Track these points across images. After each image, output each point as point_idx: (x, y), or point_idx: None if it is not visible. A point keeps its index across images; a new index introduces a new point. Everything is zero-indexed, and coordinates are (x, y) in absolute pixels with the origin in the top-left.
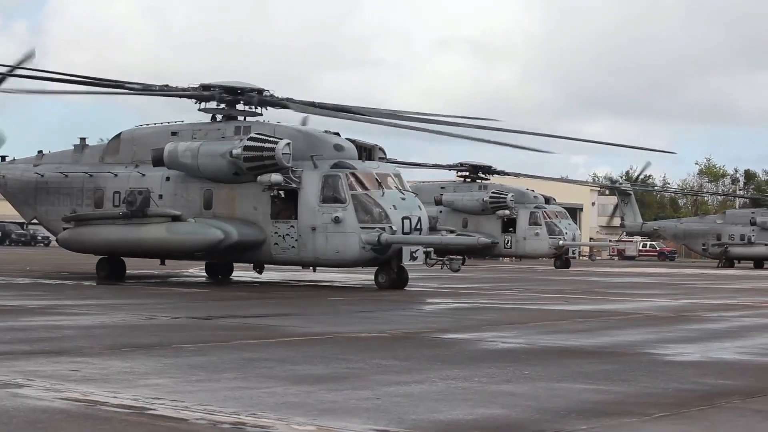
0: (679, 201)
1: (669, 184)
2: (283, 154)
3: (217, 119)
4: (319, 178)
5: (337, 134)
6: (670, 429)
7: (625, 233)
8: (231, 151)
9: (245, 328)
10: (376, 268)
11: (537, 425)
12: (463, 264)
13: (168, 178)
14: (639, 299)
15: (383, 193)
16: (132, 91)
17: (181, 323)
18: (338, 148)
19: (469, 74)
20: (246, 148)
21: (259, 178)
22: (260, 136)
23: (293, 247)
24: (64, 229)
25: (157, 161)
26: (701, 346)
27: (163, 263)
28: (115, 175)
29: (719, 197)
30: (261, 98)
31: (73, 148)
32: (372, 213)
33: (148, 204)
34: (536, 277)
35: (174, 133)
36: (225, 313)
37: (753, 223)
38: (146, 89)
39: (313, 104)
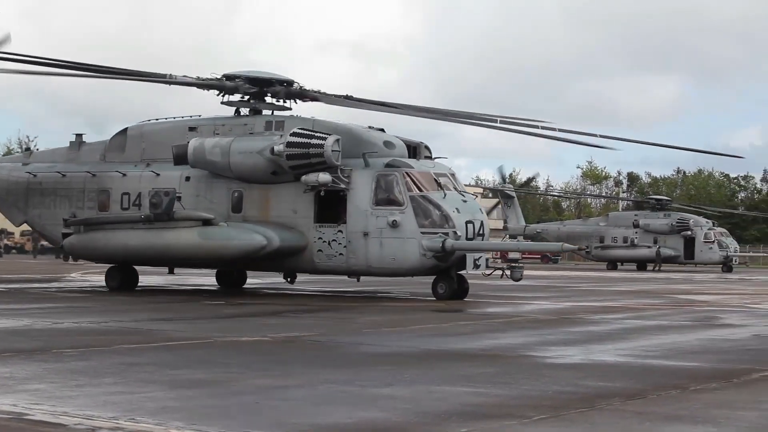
0: (563, 204)
1: (552, 186)
2: (332, 151)
3: (241, 113)
4: (372, 178)
5: (382, 130)
6: (550, 431)
7: (507, 236)
8: (272, 148)
9: (127, 333)
10: (434, 277)
11: (416, 428)
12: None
13: (188, 178)
14: (522, 302)
15: (444, 195)
16: (142, 79)
17: (68, 328)
18: (389, 145)
19: (350, 77)
20: (290, 144)
21: (303, 177)
22: (305, 132)
23: (341, 254)
24: (64, 234)
25: (180, 159)
26: (582, 348)
27: (171, 272)
28: (124, 174)
29: (602, 200)
30: (290, 90)
31: (68, 145)
32: (433, 217)
33: (174, 206)
34: (417, 280)
35: (192, 129)
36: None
37: (636, 226)
38: (162, 78)
39: (348, 97)
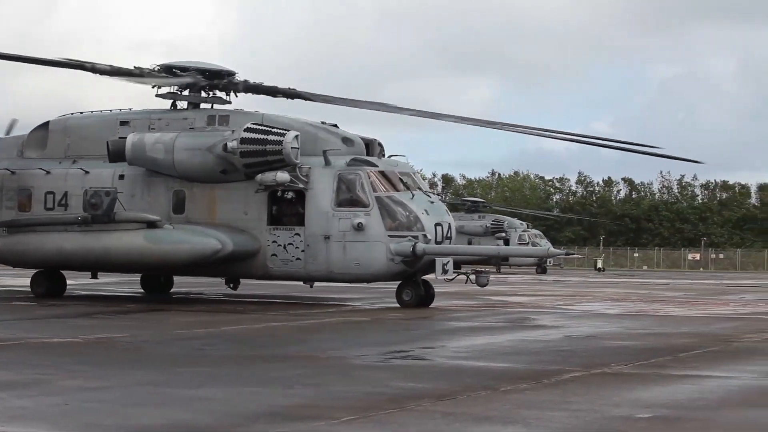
0: None
1: None
2: (292, 148)
3: (177, 107)
4: (333, 178)
5: (336, 126)
6: None
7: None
8: (225, 145)
9: None
10: (399, 283)
11: (227, 429)
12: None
13: (122, 176)
14: (335, 303)
15: (412, 195)
16: (64, 66)
17: None
18: (347, 142)
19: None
20: (244, 140)
21: (260, 176)
22: (260, 127)
23: (298, 258)
24: None
25: (117, 155)
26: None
27: (95, 276)
28: (48, 172)
29: None
30: (230, 82)
31: None
32: (401, 219)
33: (115, 207)
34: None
35: (124, 123)
36: None
37: None
38: (87, 66)
39: (292, 90)
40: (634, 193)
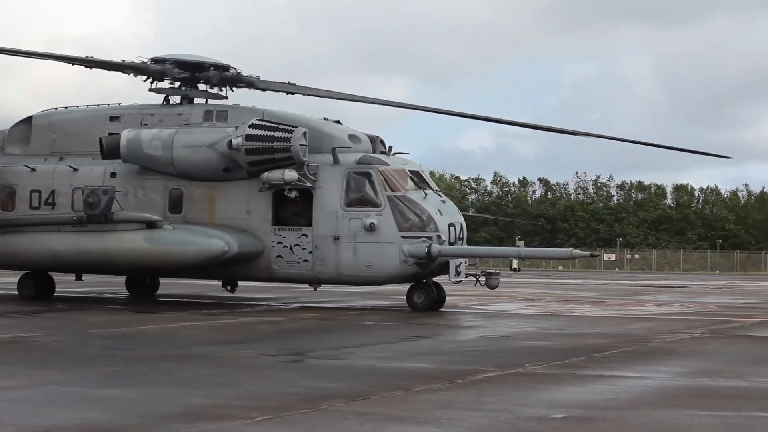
0: None
1: None
2: (300, 145)
3: (170, 101)
4: (342, 176)
5: (339, 122)
6: None
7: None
8: (230, 141)
9: None
10: (410, 285)
11: (139, 430)
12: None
13: (114, 174)
14: (251, 303)
15: (425, 194)
16: (64, 61)
17: None
18: (354, 139)
19: (79, 76)
20: (250, 137)
21: (266, 175)
22: (266, 124)
23: (305, 260)
24: None
25: (111, 152)
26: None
27: (79, 278)
28: (33, 169)
29: None
30: (224, 76)
31: None
32: (414, 219)
33: (111, 206)
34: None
35: (114, 118)
36: None
37: None
38: (83, 60)
39: (291, 85)
40: (549, 193)
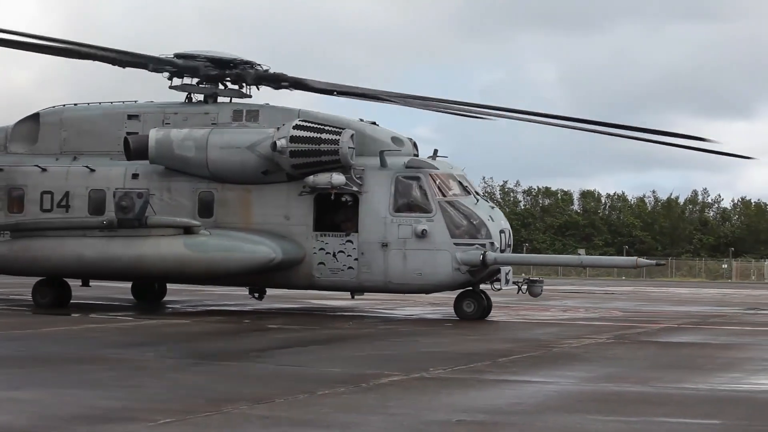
0: None
1: None
2: (348, 148)
3: (193, 100)
4: (390, 180)
5: (375, 124)
6: None
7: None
8: (274, 143)
9: None
10: (458, 293)
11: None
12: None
13: (136, 175)
14: (161, 306)
15: (477, 200)
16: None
17: None
18: (397, 142)
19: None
20: (295, 139)
21: (312, 178)
22: (312, 125)
23: (350, 267)
24: None
25: (138, 153)
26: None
27: (86, 284)
28: (44, 169)
29: None
30: (260, 74)
31: None
32: (467, 226)
33: (146, 210)
34: None
35: (133, 116)
36: None
37: None
38: (97, 52)
39: (336, 84)
40: None
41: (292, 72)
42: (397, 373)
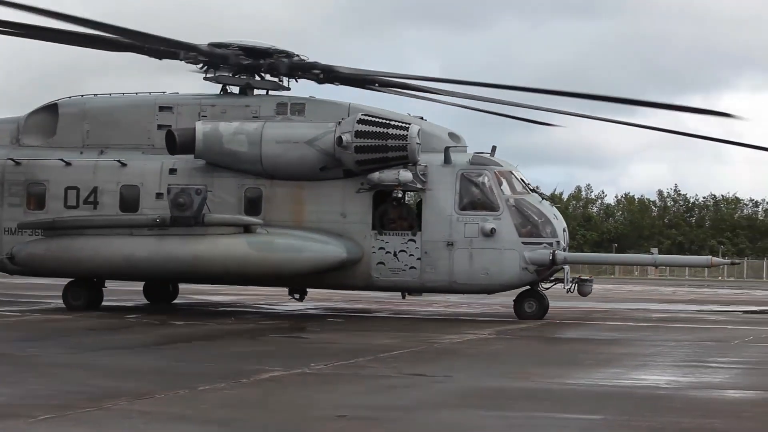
0: None
1: None
2: (416, 144)
3: (228, 91)
4: (455, 177)
5: (423, 119)
6: (55, 431)
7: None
8: (339, 138)
9: None
10: (519, 293)
11: None
12: None
13: (173, 170)
14: (48, 300)
15: (542, 199)
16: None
17: None
18: (454, 138)
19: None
20: (360, 134)
21: (377, 175)
22: (379, 120)
23: (412, 267)
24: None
25: (184, 147)
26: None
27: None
28: (68, 163)
29: None
30: (295, 63)
31: None
32: (534, 224)
33: (203, 208)
34: None
35: (164, 108)
36: None
37: None
38: (124, 40)
39: (372, 72)
40: None
41: (172, 67)
42: (278, 368)
